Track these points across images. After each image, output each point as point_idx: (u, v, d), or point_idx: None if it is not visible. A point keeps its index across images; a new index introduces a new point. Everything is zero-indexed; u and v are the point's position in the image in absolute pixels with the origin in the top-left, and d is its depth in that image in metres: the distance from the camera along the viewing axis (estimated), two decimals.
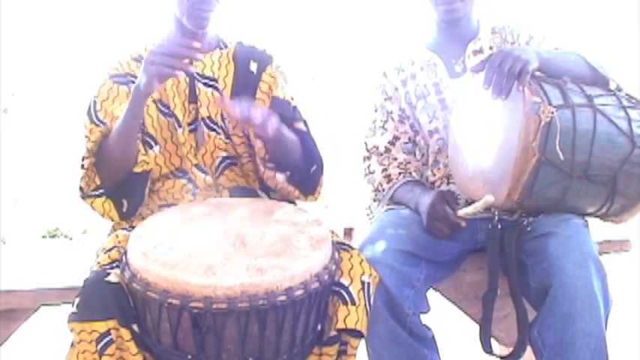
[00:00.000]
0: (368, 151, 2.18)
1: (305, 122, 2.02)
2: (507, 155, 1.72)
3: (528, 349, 1.84)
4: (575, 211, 1.88)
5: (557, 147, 1.70)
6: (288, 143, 1.85)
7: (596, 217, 1.95)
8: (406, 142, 2.15)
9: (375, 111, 2.18)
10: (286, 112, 1.96)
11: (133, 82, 1.88)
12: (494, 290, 1.89)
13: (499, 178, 1.76)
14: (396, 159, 2.14)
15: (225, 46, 2.01)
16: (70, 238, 3.75)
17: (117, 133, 1.77)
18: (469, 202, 2.04)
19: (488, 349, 1.91)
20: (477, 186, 1.86)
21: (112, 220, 1.87)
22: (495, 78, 1.71)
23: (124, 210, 1.84)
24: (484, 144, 1.83)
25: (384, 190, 2.14)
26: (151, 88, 1.67)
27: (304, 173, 1.94)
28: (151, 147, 1.89)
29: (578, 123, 1.73)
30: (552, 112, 1.68)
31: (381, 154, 2.15)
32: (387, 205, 2.14)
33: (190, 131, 1.92)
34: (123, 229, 1.81)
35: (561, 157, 1.70)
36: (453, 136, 1.98)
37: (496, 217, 1.93)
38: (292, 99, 2.03)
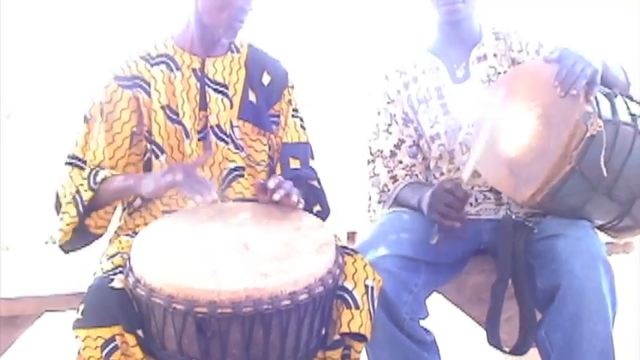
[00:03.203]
0: (372, 154, 2.18)
1: (317, 177, 2.03)
2: (544, 157, 1.73)
3: (533, 351, 1.84)
4: (584, 219, 1.90)
5: (602, 162, 1.71)
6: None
7: (599, 227, 1.97)
8: (410, 146, 2.14)
9: (379, 114, 2.17)
10: (299, 156, 1.99)
11: (140, 86, 1.89)
12: (504, 280, 1.89)
13: (528, 176, 1.77)
14: (401, 162, 2.13)
15: (237, 50, 1.98)
16: None
17: (107, 194, 1.82)
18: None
19: (495, 341, 1.90)
20: (500, 171, 1.86)
21: (54, 242, 1.89)
22: (567, 77, 1.70)
23: (67, 242, 1.88)
24: (522, 135, 1.81)
25: (389, 191, 2.13)
26: (154, 195, 1.75)
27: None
28: (157, 157, 1.87)
29: (618, 141, 1.75)
30: (600, 126, 1.69)
31: (386, 158, 2.14)
32: (391, 206, 2.14)
33: (199, 139, 1.90)
34: (126, 235, 1.81)
35: (605, 173, 1.72)
36: (489, 111, 1.93)
37: (509, 210, 1.97)
38: (303, 129, 2.04)
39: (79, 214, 1.82)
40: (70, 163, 1.90)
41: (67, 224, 1.83)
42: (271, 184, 1.65)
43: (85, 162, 1.88)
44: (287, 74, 2.04)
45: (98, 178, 1.81)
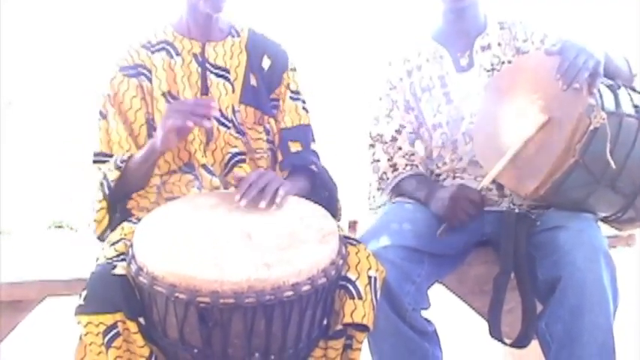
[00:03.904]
0: (372, 139, 2.17)
1: (318, 159, 2.00)
2: (547, 150, 1.73)
3: (534, 343, 1.84)
4: (588, 211, 1.90)
5: (608, 155, 1.70)
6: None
7: (602, 219, 1.97)
8: (411, 132, 2.13)
9: (380, 100, 2.17)
10: (299, 139, 1.97)
11: (143, 74, 1.89)
12: (507, 273, 1.89)
13: (531, 169, 1.77)
14: (401, 148, 2.13)
15: (238, 34, 1.98)
16: (76, 230, 3.76)
17: (133, 169, 1.78)
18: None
19: (496, 333, 1.91)
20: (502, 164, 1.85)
21: (95, 230, 1.84)
22: (569, 69, 1.69)
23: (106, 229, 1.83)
24: (525, 128, 1.81)
25: (388, 179, 2.13)
26: (168, 145, 1.68)
27: (323, 200, 1.91)
28: None
29: (621, 134, 1.74)
30: (604, 119, 1.68)
31: (386, 143, 2.14)
32: (391, 195, 2.14)
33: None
34: (129, 221, 1.80)
35: (612, 165, 1.71)
36: (491, 103, 1.94)
37: (512, 202, 1.97)
38: (305, 111, 2.02)
39: (105, 196, 1.79)
40: (98, 161, 1.89)
41: (97, 210, 1.80)
42: (239, 196, 1.62)
43: (112, 156, 1.86)
44: (287, 57, 2.03)
45: (125, 157, 1.80)
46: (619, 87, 1.82)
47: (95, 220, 1.81)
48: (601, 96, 1.73)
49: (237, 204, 1.62)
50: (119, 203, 1.84)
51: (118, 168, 1.79)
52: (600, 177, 1.76)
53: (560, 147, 1.70)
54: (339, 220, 1.99)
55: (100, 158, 1.89)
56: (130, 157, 1.80)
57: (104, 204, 1.80)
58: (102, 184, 1.80)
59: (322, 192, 1.95)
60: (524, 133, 1.80)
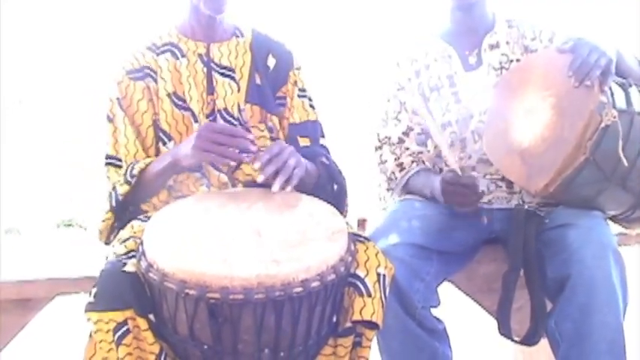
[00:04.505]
0: (380, 141, 2.17)
1: (327, 150, 2.01)
2: (558, 147, 1.73)
3: (545, 342, 1.84)
4: (598, 209, 1.89)
5: (621, 152, 1.70)
6: (308, 179, 1.83)
7: (611, 218, 1.97)
8: (419, 134, 2.13)
9: (388, 101, 2.17)
10: (308, 134, 1.98)
11: (150, 76, 1.90)
12: (516, 270, 1.89)
13: (541, 166, 1.77)
14: (408, 149, 2.13)
15: (242, 35, 1.99)
16: (85, 228, 3.78)
17: (149, 179, 1.81)
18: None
19: (505, 331, 1.90)
20: (512, 161, 1.85)
21: (100, 238, 1.89)
22: (581, 67, 1.70)
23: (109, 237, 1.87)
24: (535, 125, 1.81)
25: (396, 179, 2.13)
26: (195, 164, 1.72)
27: (328, 194, 1.91)
28: (165, 143, 1.89)
29: (632, 132, 1.74)
30: (615, 117, 1.68)
31: (394, 144, 2.14)
32: (400, 194, 2.14)
33: None
34: (138, 219, 1.81)
35: (625, 162, 1.71)
36: (502, 100, 1.95)
37: (521, 200, 1.98)
38: (312, 108, 2.02)
39: (112, 209, 1.83)
40: (108, 164, 1.91)
41: (102, 221, 1.85)
42: (257, 164, 1.63)
43: (119, 159, 1.89)
44: (292, 56, 2.04)
45: (135, 172, 1.81)
46: (630, 85, 1.82)
47: (100, 230, 1.87)
48: (612, 94, 1.74)
49: (245, 201, 1.62)
50: (126, 212, 1.86)
51: (128, 182, 1.81)
52: (611, 175, 1.76)
53: (571, 144, 1.70)
54: (346, 215, 1.99)
55: (111, 161, 1.91)
56: (143, 169, 1.81)
57: (110, 215, 1.84)
58: (110, 196, 1.83)
59: (330, 184, 1.94)
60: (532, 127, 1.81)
